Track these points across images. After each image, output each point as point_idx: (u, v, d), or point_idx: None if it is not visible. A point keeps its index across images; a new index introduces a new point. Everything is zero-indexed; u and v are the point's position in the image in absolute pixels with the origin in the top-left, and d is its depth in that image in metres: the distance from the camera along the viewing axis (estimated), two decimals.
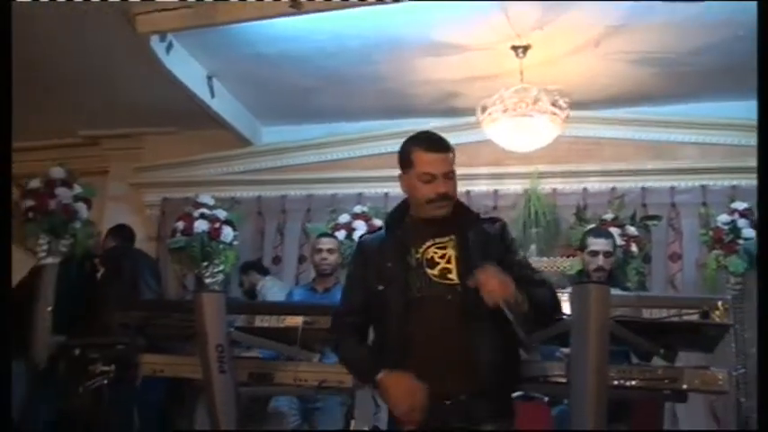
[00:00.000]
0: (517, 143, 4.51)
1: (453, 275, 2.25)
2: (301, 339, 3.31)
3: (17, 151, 6.31)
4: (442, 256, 2.27)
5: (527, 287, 2.26)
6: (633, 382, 3.15)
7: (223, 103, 5.33)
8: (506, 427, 2.29)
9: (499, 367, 2.24)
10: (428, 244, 2.30)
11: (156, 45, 4.28)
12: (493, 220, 2.45)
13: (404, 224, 2.38)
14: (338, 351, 2.48)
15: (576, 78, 4.85)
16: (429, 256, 2.28)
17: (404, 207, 2.42)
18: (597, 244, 3.92)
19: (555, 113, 4.31)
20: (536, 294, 2.29)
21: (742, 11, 3.71)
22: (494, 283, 2.12)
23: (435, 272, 2.26)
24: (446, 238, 2.29)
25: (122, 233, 4.94)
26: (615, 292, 3.14)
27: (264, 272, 5.22)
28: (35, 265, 4.78)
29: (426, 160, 2.29)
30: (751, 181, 4.89)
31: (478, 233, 2.32)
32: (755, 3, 3.05)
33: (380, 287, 2.31)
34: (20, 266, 4.60)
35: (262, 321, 3.43)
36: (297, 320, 3.32)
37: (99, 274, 4.75)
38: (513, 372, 2.38)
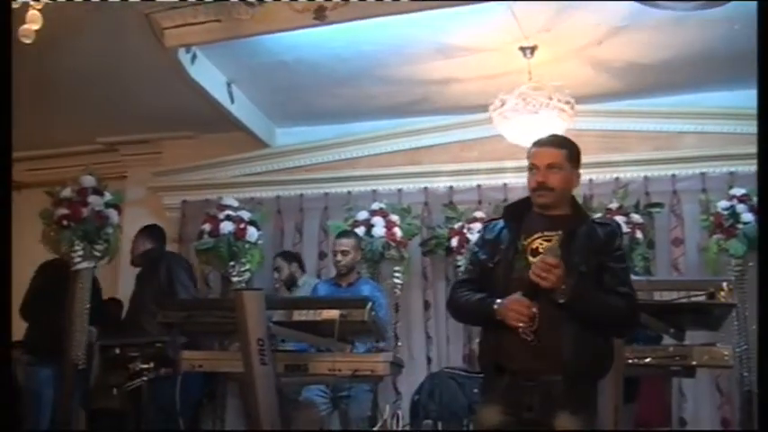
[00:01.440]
0: (526, 138, 4.70)
1: None
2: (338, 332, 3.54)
3: (38, 159, 6.56)
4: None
5: (604, 293, 2.47)
6: (647, 360, 3.40)
7: (240, 107, 5.50)
8: (586, 414, 2.48)
9: (582, 356, 2.44)
10: (537, 235, 2.54)
11: (182, 56, 4.47)
12: (605, 225, 2.65)
13: (525, 216, 2.62)
14: (454, 305, 2.72)
15: (581, 75, 5.04)
16: (534, 246, 2.53)
17: (527, 201, 2.66)
18: None
19: (563, 109, 4.52)
20: (607, 300, 2.48)
21: (739, 7, 3.88)
22: (541, 268, 2.38)
23: (536, 260, 2.46)
24: (554, 233, 2.50)
25: (156, 234, 5.08)
26: None
27: (304, 268, 5.41)
28: (42, 264, 4.98)
29: (531, 153, 2.62)
30: (748, 167, 5.12)
31: (586, 234, 2.53)
32: (755, 2, 3.25)
33: (491, 264, 2.59)
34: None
35: (299, 315, 3.67)
36: (333, 314, 3.56)
37: (136, 276, 4.93)
38: (597, 362, 2.54)
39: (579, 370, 2.45)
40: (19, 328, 4.67)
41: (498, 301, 2.47)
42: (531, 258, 2.51)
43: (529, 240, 2.55)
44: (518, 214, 2.65)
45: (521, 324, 2.41)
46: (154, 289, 4.60)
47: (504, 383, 2.50)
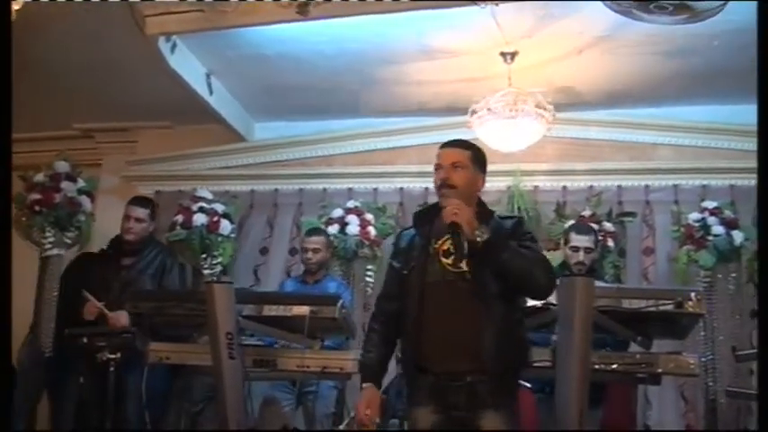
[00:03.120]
0: (504, 143, 4.73)
1: (463, 264, 2.54)
2: (308, 328, 3.54)
3: (13, 142, 6.45)
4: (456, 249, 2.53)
5: (520, 250, 2.55)
6: (613, 366, 3.43)
7: (218, 100, 5.45)
8: (509, 408, 2.55)
9: (504, 351, 2.51)
10: (446, 237, 2.58)
11: (162, 45, 4.43)
12: (510, 218, 2.77)
13: (434, 222, 2.67)
14: (366, 336, 2.83)
15: (560, 83, 5.08)
16: (445, 247, 2.58)
17: (436, 207, 2.71)
18: (579, 240, 4.17)
19: (541, 115, 4.56)
20: (524, 253, 2.57)
21: (719, 23, 3.93)
22: (453, 206, 2.48)
23: (449, 261, 2.56)
24: None
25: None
26: (598, 284, 3.40)
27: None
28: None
29: (437, 154, 2.70)
30: (721, 181, 5.22)
31: (494, 228, 2.59)
32: (736, 11, 3.30)
33: (405, 272, 2.65)
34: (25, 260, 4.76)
35: (269, 310, 3.66)
36: (303, 310, 3.55)
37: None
38: (519, 356, 2.63)
39: (502, 366, 2.52)
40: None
41: (365, 384, 2.66)
42: (444, 260, 2.58)
43: (440, 243, 2.61)
44: (428, 220, 2.71)
45: (365, 417, 2.60)
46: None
47: (429, 383, 2.57)
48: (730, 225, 4.92)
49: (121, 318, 4.14)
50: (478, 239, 2.47)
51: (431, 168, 5.51)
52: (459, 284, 2.55)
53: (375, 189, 5.70)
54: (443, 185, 2.64)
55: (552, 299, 3.07)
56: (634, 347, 3.69)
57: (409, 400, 2.71)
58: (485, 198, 5.39)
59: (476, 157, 2.71)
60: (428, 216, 2.74)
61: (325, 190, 5.76)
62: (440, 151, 2.72)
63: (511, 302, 2.62)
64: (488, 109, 4.57)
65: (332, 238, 5.07)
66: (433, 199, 5.37)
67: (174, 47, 4.57)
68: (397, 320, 2.69)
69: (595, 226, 4.97)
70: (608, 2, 3.70)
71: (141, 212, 4.57)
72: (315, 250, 4.71)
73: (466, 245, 2.46)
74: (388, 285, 2.81)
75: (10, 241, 2.97)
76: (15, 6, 3.25)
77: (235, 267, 5.66)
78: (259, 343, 3.90)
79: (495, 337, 2.49)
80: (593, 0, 3.75)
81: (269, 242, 5.77)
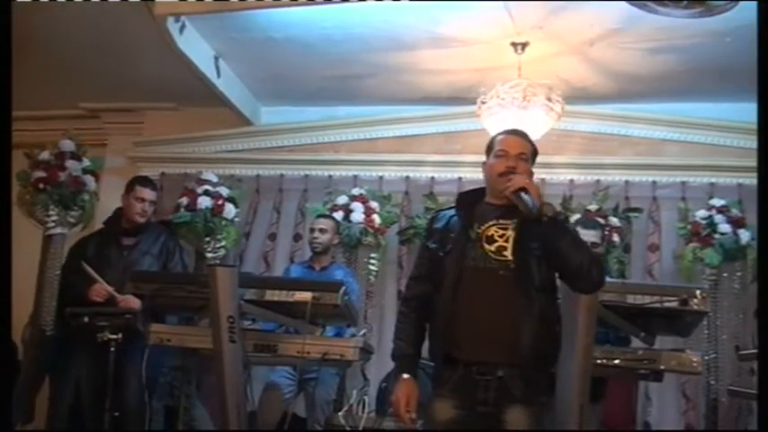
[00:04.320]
0: None
1: (508, 253, 2.50)
2: (309, 314, 3.53)
3: (19, 120, 6.48)
4: (502, 236, 2.53)
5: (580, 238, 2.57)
6: (616, 362, 3.42)
7: (226, 83, 5.41)
8: (540, 404, 2.51)
9: (540, 345, 2.46)
10: (491, 223, 2.56)
11: (171, 26, 4.40)
12: (557, 214, 2.68)
13: (476, 207, 2.64)
14: (398, 321, 2.75)
15: (570, 75, 5.04)
16: (489, 234, 2.54)
17: (478, 192, 2.69)
18: (585, 235, 4.11)
19: (551, 108, 4.52)
20: (583, 243, 2.57)
21: (732, 20, 3.90)
22: (524, 176, 2.49)
23: (492, 248, 2.51)
24: (509, 221, 2.53)
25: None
26: None
27: None
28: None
29: (501, 140, 2.66)
30: (729, 179, 5.19)
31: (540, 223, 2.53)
32: (749, 7, 3.26)
33: (441, 254, 2.58)
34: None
35: (272, 295, 3.65)
36: (306, 296, 3.54)
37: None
38: (554, 351, 2.58)
39: (537, 360, 2.47)
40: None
41: (405, 376, 2.57)
42: (486, 246, 2.53)
43: (483, 228, 2.56)
44: (470, 203, 2.66)
45: (405, 415, 2.51)
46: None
47: (457, 376, 2.49)
48: (737, 224, 4.89)
49: (131, 302, 4.12)
50: (548, 215, 2.46)
51: (437, 158, 5.60)
52: (501, 273, 2.49)
53: (381, 177, 5.67)
54: (509, 172, 2.55)
55: None
56: (636, 343, 3.68)
57: (433, 392, 2.60)
58: None
59: (534, 152, 2.69)
60: (471, 199, 2.68)
61: (330, 177, 5.74)
62: (505, 138, 2.67)
63: (552, 297, 2.56)
64: (498, 99, 4.54)
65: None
66: (438, 188, 5.49)
67: (182, 28, 4.53)
68: (428, 304, 2.62)
69: (601, 221, 4.96)
70: None
71: (152, 194, 4.62)
72: (322, 230, 4.73)
73: (526, 205, 2.44)
74: (420, 266, 2.72)
75: (10, 222, 2.94)
76: None
77: (246, 253, 5.68)
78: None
79: (533, 331, 2.43)
80: None
81: (276, 228, 5.75)
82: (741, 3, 3.56)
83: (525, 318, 2.44)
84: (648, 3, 3.56)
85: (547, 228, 2.46)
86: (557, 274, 2.58)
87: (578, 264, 2.48)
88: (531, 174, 2.65)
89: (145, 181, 4.70)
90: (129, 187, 4.61)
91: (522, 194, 2.46)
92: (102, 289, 4.22)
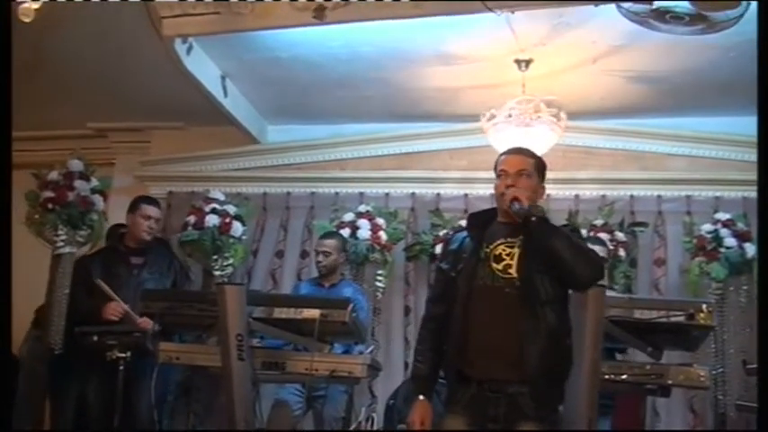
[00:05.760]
0: None
1: (513, 271, 2.54)
2: (318, 331, 3.54)
3: (27, 140, 6.53)
4: (509, 254, 2.57)
5: (571, 237, 2.59)
6: (623, 377, 3.42)
7: (233, 102, 5.47)
8: (551, 420, 2.54)
9: (550, 362, 2.48)
10: (499, 242, 2.60)
11: (178, 46, 4.45)
12: (564, 227, 2.76)
13: (488, 227, 2.68)
14: (417, 343, 2.83)
15: (573, 91, 5.06)
16: (497, 252, 2.59)
17: (490, 212, 2.75)
18: None
19: (554, 123, 4.55)
20: (574, 242, 2.59)
21: (735, 35, 3.92)
22: (514, 189, 2.55)
23: (500, 266, 2.56)
24: (516, 239, 2.57)
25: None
26: (609, 294, 3.39)
27: None
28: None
29: (501, 160, 2.72)
30: (734, 193, 5.19)
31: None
32: (751, 21, 3.28)
33: (453, 274, 2.64)
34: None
35: (280, 313, 3.66)
36: (314, 313, 3.55)
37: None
38: (565, 367, 2.60)
39: (547, 377, 2.49)
40: (19, 325, 4.65)
41: (421, 398, 2.64)
42: (494, 265, 2.57)
43: (492, 247, 2.60)
44: (481, 224, 2.71)
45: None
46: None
47: (470, 394, 2.53)
48: (743, 237, 4.90)
49: (147, 323, 4.11)
50: (536, 216, 2.51)
51: (443, 174, 5.65)
52: (507, 291, 2.53)
53: (387, 194, 5.71)
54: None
55: None
56: (644, 357, 3.68)
57: (446, 409, 2.64)
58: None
59: (539, 165, 2.73)
60: (482, 219, 2.74)
61: (337, 194, 5.77)
62: (505, 158, 2.74)
63: (561, 310, 2.59)
64: (502, 116, 4.57)
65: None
66: (444, 205, 5.51)
67: (190, 48, 4.59)
68: (445, 324, 2.66)
69: (607, 235, 4.97)
70: (624, 11, 3.70)
71: (158, 212, 4.72)
72: (325, 253, 4.71)
73: (521, 211, 2.51)
74: (435, 288, 2.82)
75: (10, 242, 2.96)
76: (35, 6, 3.27)
77: (254, 271, 5.71)
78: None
79: (540, 348, 2.46)
80: (609, 3, 3.73)
81: (283, 245, 5.77)
82: (743, 18, 3.58)
83: (532, 335, 2.47)
84: (650, 20, 3.59)
85: (536, 228, 2.51)
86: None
87: (571, 261, 2.52)
88: (541, 188, 2.71)
89: (149, 200, 4.81)
90: (134, 206, 4.69)
91: (515, 203, 2.53)
92: (118, 307, 4.26)
